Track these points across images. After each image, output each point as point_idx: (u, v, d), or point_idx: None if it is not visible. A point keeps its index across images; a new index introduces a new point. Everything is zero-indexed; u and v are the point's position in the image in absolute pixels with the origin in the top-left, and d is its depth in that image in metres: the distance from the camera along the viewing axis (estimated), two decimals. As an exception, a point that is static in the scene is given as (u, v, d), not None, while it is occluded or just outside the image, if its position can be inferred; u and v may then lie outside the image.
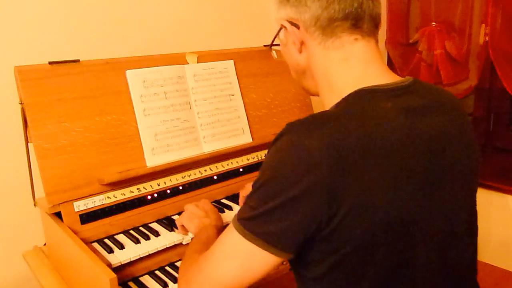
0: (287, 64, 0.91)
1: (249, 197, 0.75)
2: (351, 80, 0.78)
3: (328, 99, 0.81)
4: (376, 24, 0.81)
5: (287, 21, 0.82)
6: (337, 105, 0.75)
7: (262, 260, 0.72)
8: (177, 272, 1.08)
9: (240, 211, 0.76)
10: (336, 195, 0.66)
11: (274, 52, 0.96)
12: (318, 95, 0.87)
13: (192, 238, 1.04)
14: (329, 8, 0.76)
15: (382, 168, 0.68)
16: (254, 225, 0.71)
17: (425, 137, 0.74)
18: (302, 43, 0.82)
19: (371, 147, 0.68)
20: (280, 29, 0.85)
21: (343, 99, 0.75)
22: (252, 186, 0.75)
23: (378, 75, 0.79)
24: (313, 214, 0.67)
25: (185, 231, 1.13)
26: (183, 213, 1.15)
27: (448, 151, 0.76)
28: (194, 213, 1.12)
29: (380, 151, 0.69)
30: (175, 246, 1.12)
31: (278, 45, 0.90)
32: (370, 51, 0.80)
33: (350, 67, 0.79)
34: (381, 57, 0.82)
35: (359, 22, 0.78)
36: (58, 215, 1.10)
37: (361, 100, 0.74)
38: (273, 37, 0.88)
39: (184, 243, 1.12)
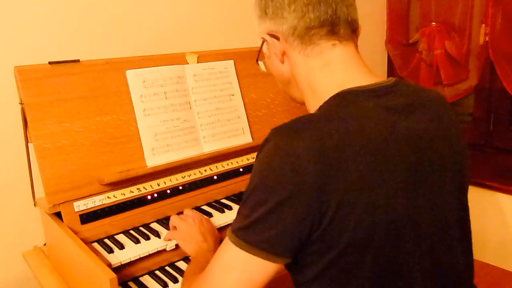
0: (273, 76, 0.93)
1: (241, 206, 0.75)
2: (333, 84, 0.79)
3: (312, 104, 0.83)
4: (353, 29, 0.83)
5: (268, 34, 0.85)
6: (320, 108, 0.77)
7: (261, 268, 0.72)
8: (177, 272, 1.08)
9: (234, 222, 0.76)
10: (324, 194, 0.67)
11: (262, 65, 0.98)
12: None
13: (189, 262, 1.02)
14: (305, 18, 0.79)
15: (366, 166, 0.69)
16: (248, 234, 0.72)
17: (408, 134, 0.74)
18: (283, 53, 0.85)
19: (354, 146, 0.69)
20: (263, 42, 0.88)
21: (325, 102, 0.77)
22: (243, 194, 0.75)
23: (359, 78, 0.80)
24: (305, 215, 0.68)
25: (168, 236, 1.11)
26: (178, 231, 1.10)
27: (433, 149, 0.76)
28: (191, 235, 1.08)
29: (364, 149, 0.69)
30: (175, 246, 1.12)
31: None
32: (349, 55, 0.82)
33: (330, 72, 0.81)
34: (361, 60, 0.84)
35: (335, 28, 0.80)
36: (58, 215, 1.10)
37: (343, 101, 0.75)
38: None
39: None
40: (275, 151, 0.70)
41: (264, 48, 0.89)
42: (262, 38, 0.87)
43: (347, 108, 0.73)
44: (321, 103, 0.77)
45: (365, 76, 0.81)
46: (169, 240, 1.11)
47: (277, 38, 0.83)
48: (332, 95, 0.77)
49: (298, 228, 0.69)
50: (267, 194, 0.70)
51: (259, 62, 0.97)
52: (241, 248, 0.72)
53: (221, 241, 1.07)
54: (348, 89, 0.77)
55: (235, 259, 0.73)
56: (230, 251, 0.74)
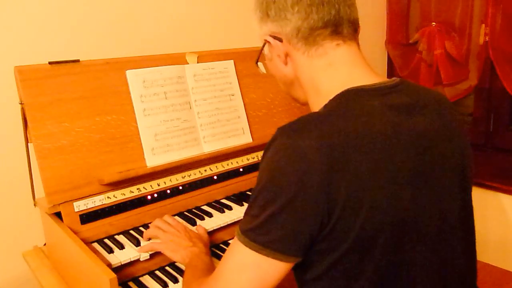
0: (275, 77, 0.92)
1: (249, 206, 0.75)
2: (338, 83, 0.79)
3: (316, 104, 0.83)
4: (355, 28, 0.84)
5: (270, 36, 0.84)
6: (325, 106, 0.77)
7: (273, 269, 0.72)
8: (177, 272, 1.07)
9: (242, 222, 0.76)
10: (332, 191, 0.67)
11: (261, 66, 0.97)
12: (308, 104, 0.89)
13: (185, 269, 0.99)
14: (309, 19, 0.79)
15: (371, 165, 0.69)
16: (258, 234, 0.72)
17: (412, 134, 0.74)
18: (286, 55, 0.85)
19: (361, 143, 0.69)
20: (264, 44, 0.87)
21: (330, 100, 0.77)
22: (251, 195, 0.75)
23: (364, 77, 0.81)
24: (314, 213, 0.68)
25: (152, 248, 1.06)
26: (163, 243, 1.05)
27: (435, 148, 0.77)
28: (178, 243, 1.04)
29: (370, 147, 0.70)
30: (175, 246, 1.12)
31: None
32: (353, 54, 0.82)
33: (335, 72, 0.81)
34: (364, 59, 0.84)
35: (339, 28, 0.80)
36: (58, 215, 1.10)
37: (348, 99, 0.76)
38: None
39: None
40: (282, 149, 0.70)
41: (265, 50, 0.89)
42: (264, 40, 0.86)
43: (352, 107, 0.74)
44: (325, 102, 0.77)
45: (369, 75, 0.81)
46: (151, 251, 1.05)
47: (280, 40, 0.83)
48: (337, 93, 0.77)
49: (308, 226, 0.69)
50: (276, 193, 0.69)
51: (258, 63, 0.96)
52: (251, 248, 0.72)
53: (213, 245, 1.06)
54: (353, 87, 0.77)
55: (245, 259, 0.73)
56: (240, 251, 0.73)
